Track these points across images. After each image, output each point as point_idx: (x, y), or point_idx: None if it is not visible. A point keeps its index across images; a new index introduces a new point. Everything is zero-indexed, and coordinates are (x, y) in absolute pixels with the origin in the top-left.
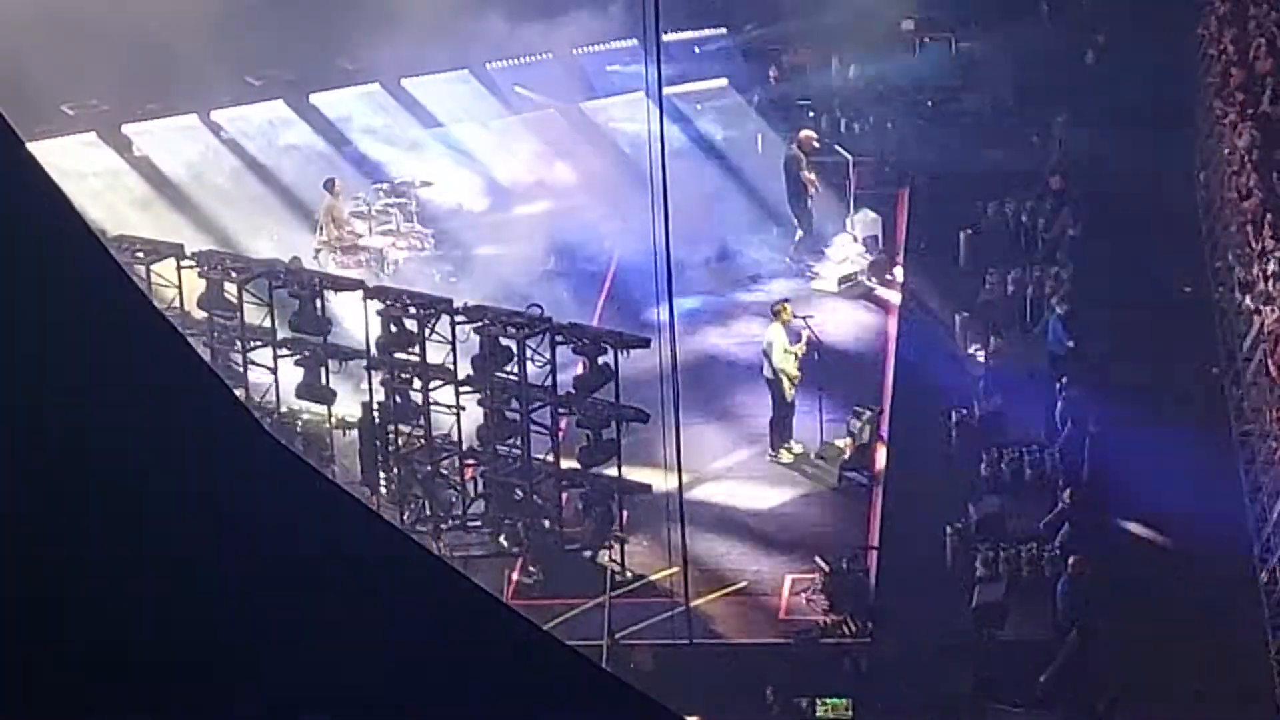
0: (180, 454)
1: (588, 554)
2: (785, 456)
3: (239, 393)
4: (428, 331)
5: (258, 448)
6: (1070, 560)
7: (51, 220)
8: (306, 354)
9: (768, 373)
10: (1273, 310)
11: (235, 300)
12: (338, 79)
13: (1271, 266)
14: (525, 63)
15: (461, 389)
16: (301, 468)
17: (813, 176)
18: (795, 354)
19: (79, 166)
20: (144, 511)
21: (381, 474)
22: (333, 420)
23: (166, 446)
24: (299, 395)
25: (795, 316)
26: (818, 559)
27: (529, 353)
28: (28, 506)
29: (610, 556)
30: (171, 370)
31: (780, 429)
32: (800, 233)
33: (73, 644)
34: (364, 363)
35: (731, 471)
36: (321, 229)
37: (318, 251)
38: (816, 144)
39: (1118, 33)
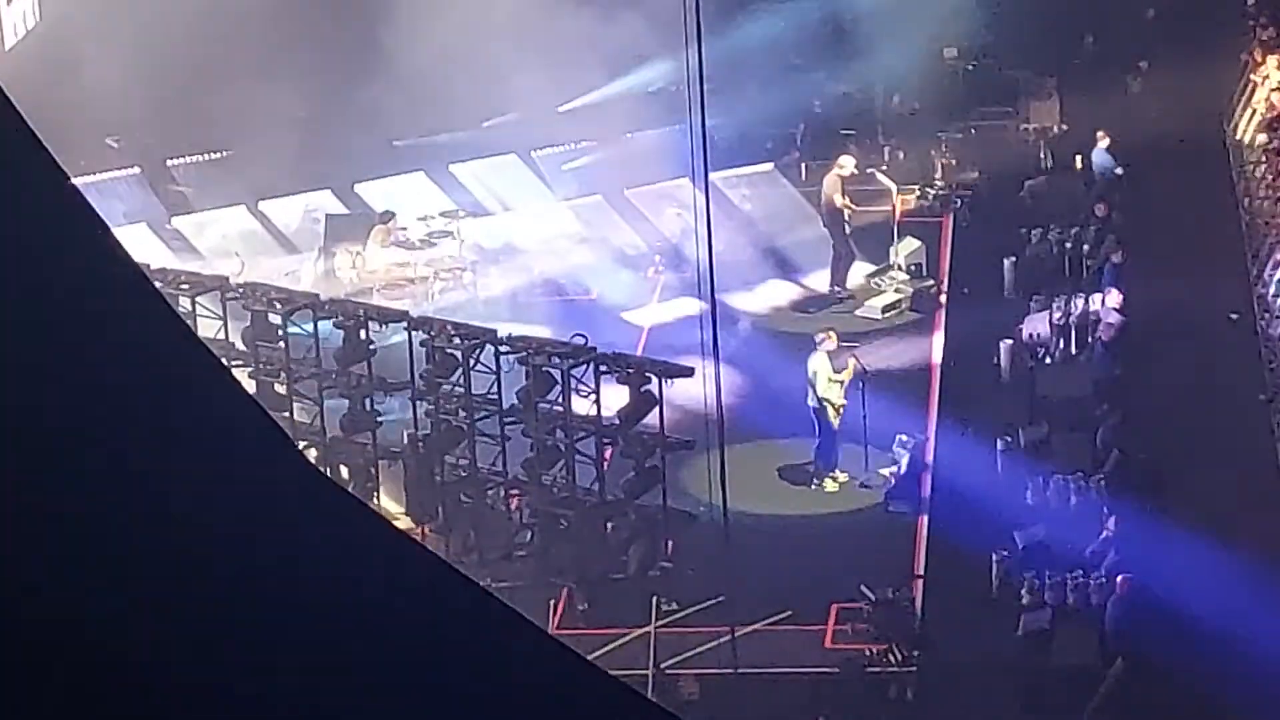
0: (221, 487)
1: (633, 583)
2: (830, 485)
3: (283, 424)
4: (472, 362)
5: (301, 479)
6: (1119, 579)
7: (94, 252)
8: (351, 385)
9: (812, 401)
10: None
11: (280, 332)
12: (383, 167)
13: None
14: (572, 149)
15: (506, 419)
16: (345, 499)
17: (849, 201)
18: (840, 382)
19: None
20: (182, 545)
21: (426, 505)
22: (377, 451)
23: (208, 479)
24: (343, 426)
25: (840, 344)
26: (863, 588)
27: (573, 382)
28: (64, 546)
29: (655, 586)
30: (214, 402)
31: (825, 457)
32: (837, 257)
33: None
34: (408, 393)
35: (776, 500)
36: (367, 260)
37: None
38: (855, 170)
39: (1161, 60)
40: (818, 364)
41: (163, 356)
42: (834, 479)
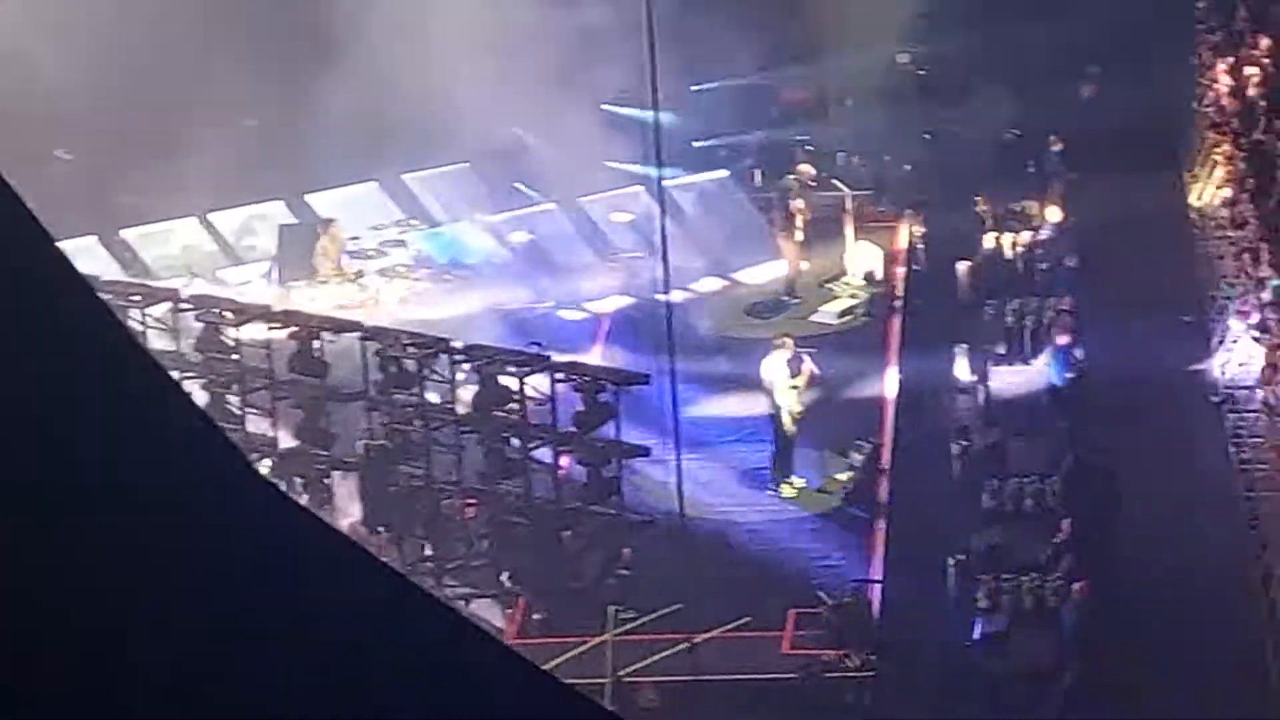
0: (171, 500)
1: (590, 592)
2: (787, 491)
3: (236, 437)
4: (426, 371)
5: (253, 492)
6: (1075, 586)
7: (38, 265)
8: (305, 396)
9: (769, 407)
10: (1269, 339)
11: (232, 344)
12: (335, 178)
13: (1267, 295)
14: (523, 159)
15: (461, 428)
16: (298, 512)
17: (801, 205)
18: (797, 388)
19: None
20: (130, 561)
21: (382, 515)
22: (332, 462)
23: (156, 493)
24: (298, 437)
25: (796, 350)
26: (821, 593)
27: (528, 390)
28: (8, 556)
29: (613, 594)
30: (163, 415)
31: (782, 463)
32: (790, 264)
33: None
34: (363, 404)
35: (734, 506)
36: (318, 270)
37: (314, 296)
38: (813, 182)
39: (1112, 65)
40: (774, 370)
41: (110, 370)
42: (791, 484)
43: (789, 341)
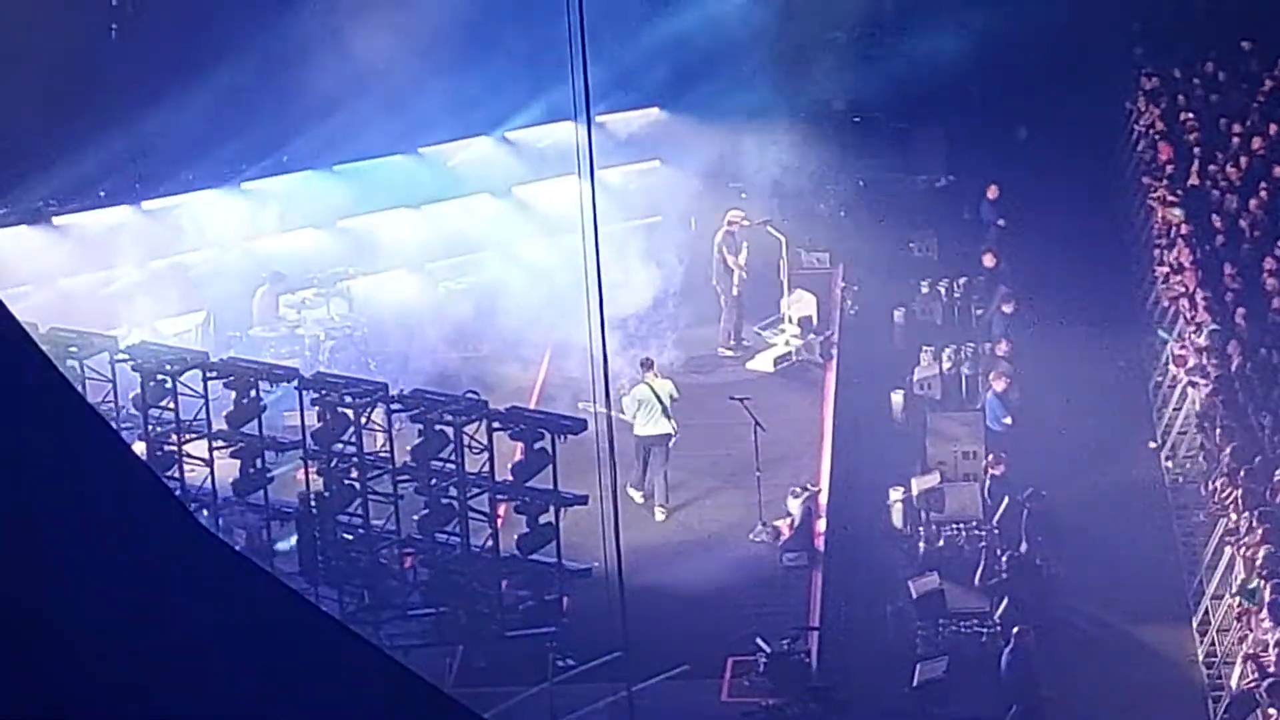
0: (114, 551)
1: (529, 640)
2: (658, 514)
3: (174, 486)
4: (364, 420)
5: (193, 541)
6: (1014, 631)
7: None
8: (242, 445)
9: (652, 428)
10: (1206, 384)
11: (170, 393)
12: (271, 167)
13: (1203, 340)
14: (457, 146)
15: (399, 478)
16: (238, 561)
17: (740, 260)
18: (671, 402)
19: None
20: (76, 611)
21: (320, 565)
22: (270, 512)
23: (100, 543)
24: (235, 487)
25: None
26: (759, 640)
27: (466, 439)
28: None
29: (552, 642)
30: (105, 466)
31: (660, 484)
32: (727, 313)
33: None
34: (300, 453)
35: (671, 553)
36: (256, 318)
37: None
38: (747, 223)
39: (1048, 110)
40: (648, 393)
41: (51, 422)
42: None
43: (654, 365)
